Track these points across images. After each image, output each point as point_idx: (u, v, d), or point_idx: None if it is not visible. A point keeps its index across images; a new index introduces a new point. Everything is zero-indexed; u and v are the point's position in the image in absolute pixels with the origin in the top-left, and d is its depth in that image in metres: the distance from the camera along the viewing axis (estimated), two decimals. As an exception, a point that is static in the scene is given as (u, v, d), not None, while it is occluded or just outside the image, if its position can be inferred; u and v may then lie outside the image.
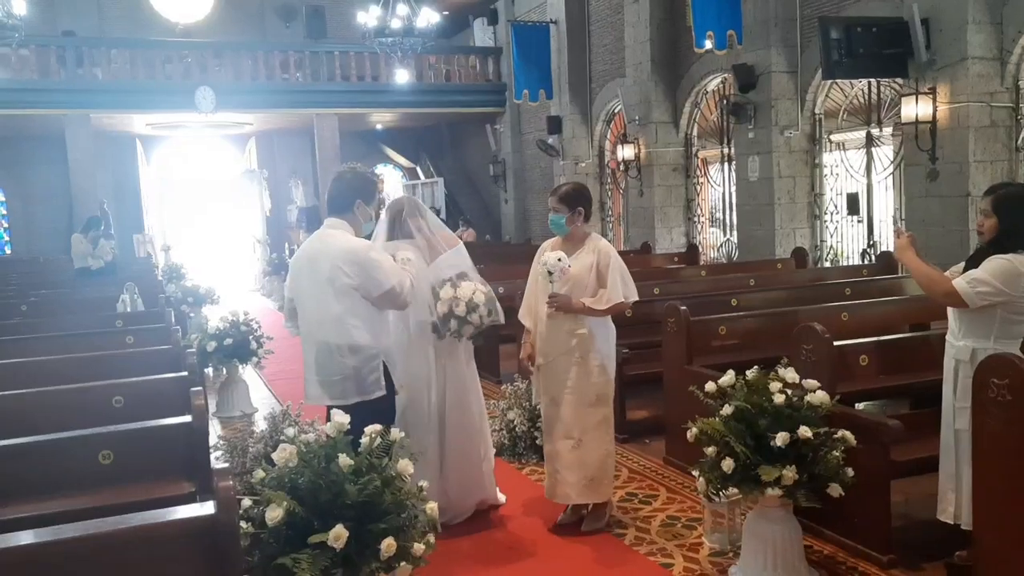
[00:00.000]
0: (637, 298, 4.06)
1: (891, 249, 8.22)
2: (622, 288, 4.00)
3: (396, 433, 2.81)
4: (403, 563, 2.57)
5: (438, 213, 17.60)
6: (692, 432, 3.49)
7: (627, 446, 5.49)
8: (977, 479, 3.08)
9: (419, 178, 21.86)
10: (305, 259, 3.74)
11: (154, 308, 7.49)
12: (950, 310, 3.38)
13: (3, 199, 17.86)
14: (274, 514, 2.48)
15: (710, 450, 3.41)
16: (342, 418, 2.78)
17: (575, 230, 4.12)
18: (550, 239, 4.31)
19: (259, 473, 2.68)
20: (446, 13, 16.89)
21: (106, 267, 11.10)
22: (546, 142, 14.66)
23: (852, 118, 9.31)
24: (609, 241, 12.94)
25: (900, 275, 7.18)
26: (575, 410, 4.07)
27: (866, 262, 8.81)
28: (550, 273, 3.93)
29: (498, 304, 4.12)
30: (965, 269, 3.32)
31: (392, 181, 23.42)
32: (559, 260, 3.93)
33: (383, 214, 4.29)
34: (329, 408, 3.49)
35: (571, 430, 4.08)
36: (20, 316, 7.20)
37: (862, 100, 9.17)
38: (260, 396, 7.49)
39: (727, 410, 3.43)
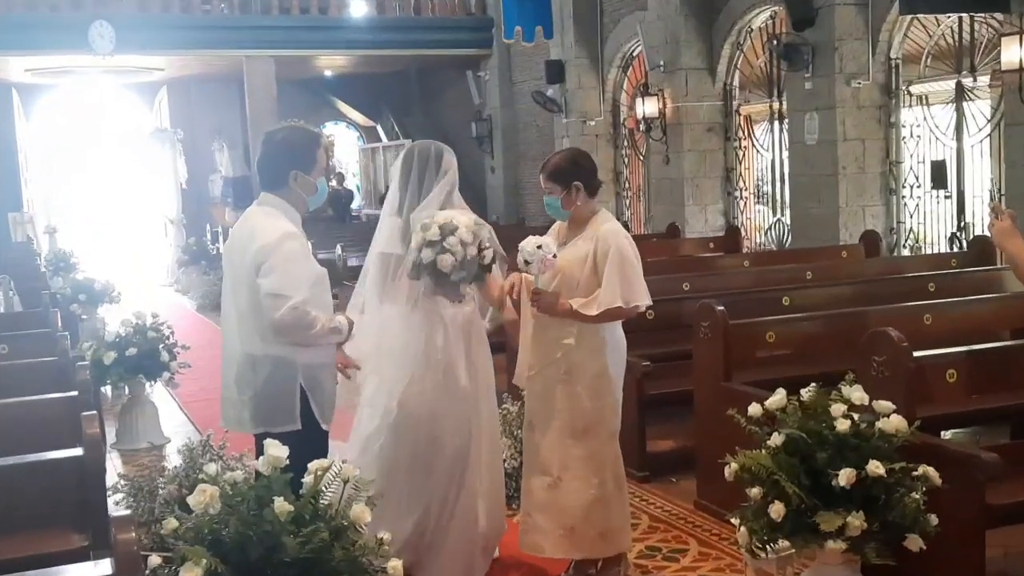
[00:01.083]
0: (646, 302, 4.03)
1: (988, 233, 8.22)
2: (621, 288, 3.94)
3: (349, 470, 2.81)
4: (358, 638, 2.58)
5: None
6: (731, 468, 3.50)
7: (648, 486, 5.49)
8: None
9: (380, 140, 21.86)
10: (228, 247, 3.80)
11: (35, 308, 7.45)
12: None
13: None
14: (191, 575, 2.47)
15: (754, 491, 3.42)
16: (279, 451, 2.78)
17: (577, 211, 4.12)
18: (558, 222, 4.32)
19: (171, 522, 2.68)
20: (415, -74, 16.89)
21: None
22: (544, 94, 14.64)
23: (938, 64, 9.33)
24: (625, 223, 13.06)
25: (999, 267, 7.21)
26: (555, 440, 4.08)
27: (955, 249, 8.83)
28: (526, 263, 3.88)
29: (493, 236, 4.04)
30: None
31: (345, 144, 23.43)
32: (539, 247, 3.86)
33: (417, 171, 4.16)
34: (259, 437, 3.50)
35: (548, 465, 4.10)
36: None
37: (951, 41, 9.19)
38: (173, 423, 7.46)
39: (776, 440, 3.43)
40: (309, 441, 3.45)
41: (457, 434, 4.07)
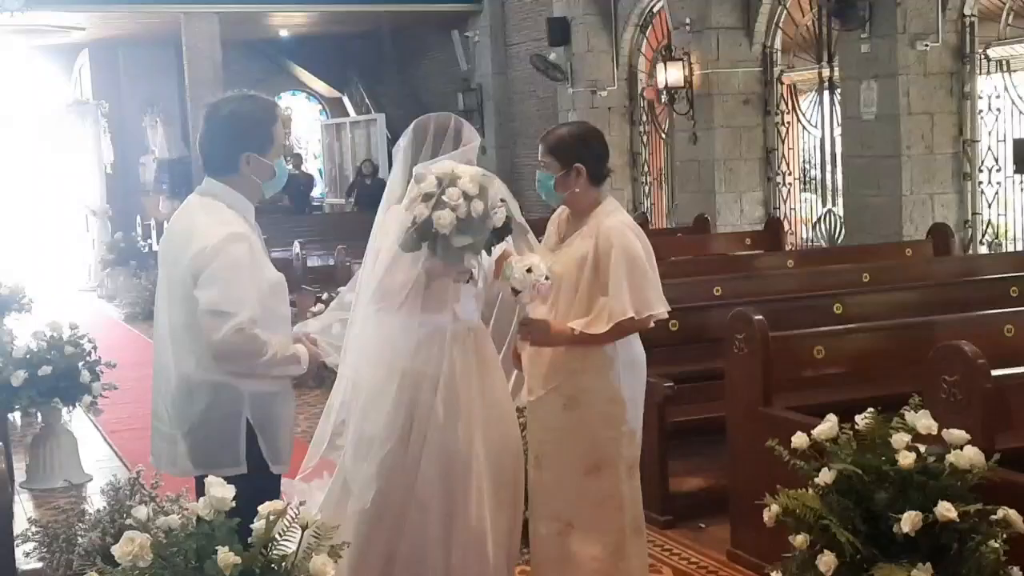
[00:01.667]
0: (662, 310, 4.01)
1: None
2: (629, 295, 3.91)
3: (308, 515, 2.81)
4: None
5: (376, 170, 17.62)
6: (771, 512, 3.49)
7: (671, 533, 5.48)
8: None
9: (347, 114, 21.85)
10: (163, 246, 3.74)
11: (-72, 318, 7.44)
12: None
13: None
14: (116, 641, 2.47)
15: (800, 539, 3.42)
16: (224, 491, 2.78)
17: (574, 198, 4.12)
18: (560, 211, 4.31)
19: (92, 577, 2.68)
20: None
21: None
22: (546, 59, 14.66)
23: (1022, 24, 9.34)
24: (644, 215, 13.06)
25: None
26: (564, 479, 4.08)
27: (1043, 246, 8.89)
28: (515, 291, 3.79)
29: (507, 192, 3.91)
30: None
31: (305, 119, 23.42)
32: (528, 271, 3.75)
33: (431, 149, 4.00)
34: (198, 479, 3.49)
35: (557, 509, 4.10)
36: None
37: (1037, -5, 9.22)
38: (95, 457, 7.43)
39: (826, 477, 3.43)
40: (256, 486, 3.26)
41: (447, 499, 4.00)
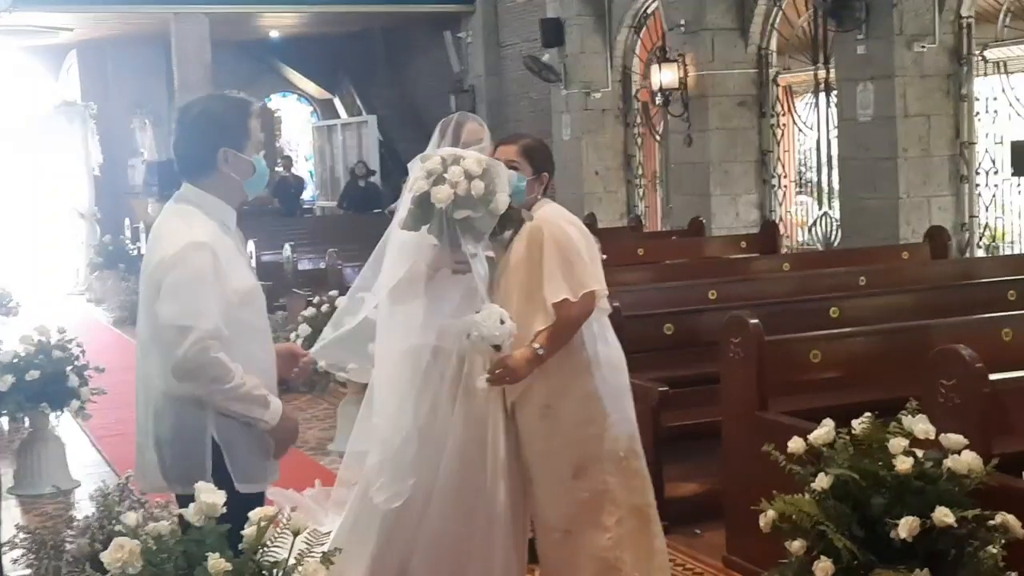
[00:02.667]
0: (599, 288, 3.99)
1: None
2: (564, 279, 3.90)
3: (300, 521, 2.81)
4: None
5: (369, 174, 17.60)
6: (768, 517, 3.49)
7: (666, 539, 5.39)
8: None
9: (339, 116, 21.83)
10: (145, 252, 3.69)
11: (-86, 322, 7.43)
12: None
13: None
14: (104, 650, 2.46)
15: (796, 544, 3.42)
16: (214, 496, 2.77)
17: (530, 204, 4.12)
18: None
19: (80, 584, 2.67)
20: None
21: None
22: (539, 60, 14.66)
23: (1019, 24, 9.36)
24: (638, 217, 13.06)
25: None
26: (552, 488, 4.09)
27: (1040, 249, 8.91)
28: (497, 348, 3.79)
29: (515, 183, 3.96)
30: None
31: (295, 120, 23.40)
32: (501, 322, 3.74)
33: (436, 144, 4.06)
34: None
35: (551, 518, 4.11)
36: None
37: (1034, -4, 9.24)
38: (84, 462, 7.42)
39: (823, 482, 3.43)
40: (235, 501, 3.05)
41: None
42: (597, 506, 4.09)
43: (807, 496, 3.44)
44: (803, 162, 11.81)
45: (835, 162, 10.64)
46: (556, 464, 4.07)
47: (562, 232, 4.01)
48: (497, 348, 3.81)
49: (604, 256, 4.51)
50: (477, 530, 4.02)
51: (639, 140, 14.12)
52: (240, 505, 3.03)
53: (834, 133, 10.61)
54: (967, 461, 3.40)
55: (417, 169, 3.88)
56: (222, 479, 3.29)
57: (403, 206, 3.97)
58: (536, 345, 3.93)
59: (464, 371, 3.99)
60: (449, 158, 3.82)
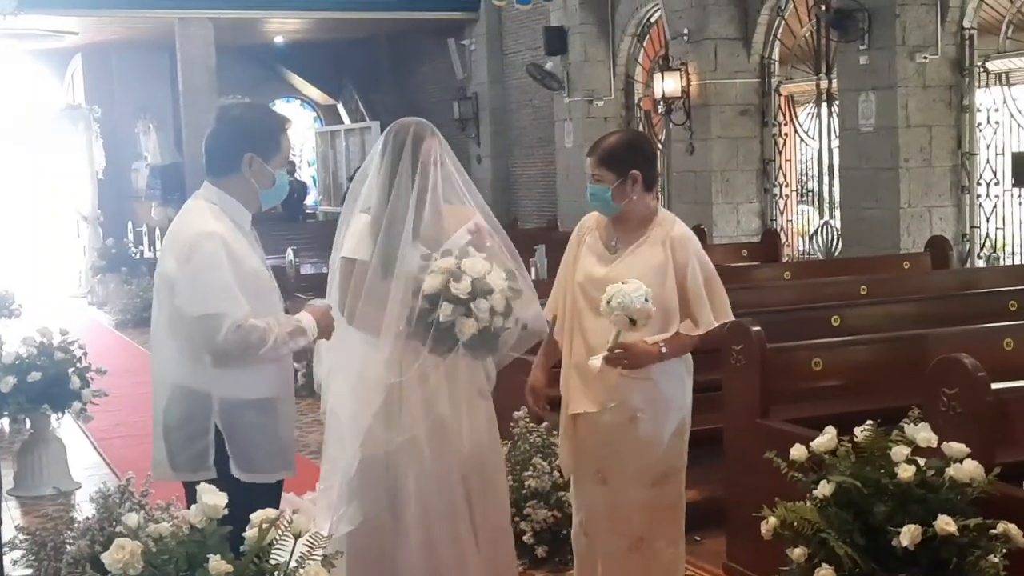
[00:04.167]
0: (731, 319, 4.15)
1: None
2: (721, 304, 4.02)
3: (302, 523, 2.81)
4: None
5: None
6: (769, 524, 3.49)
7: (666, 546, 5.48)
8: None
9: (342, 121, 21.86)
10: (163, 244, 3.80)
11: (-83, 323, 7.43)
12: None
13: None
14: (106, 650, 2.47)
15: (798, 552, 3.42)
16: (216, 498, 2.77)
17: (631, 207, 4.06)
18: (591, 213, 4.27)
19: (82, 585, 2.68)
20: None
21: None
22: (542, 68, 14.68)
23: (1021, 36, 9.37)
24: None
25: (1094, 281, 7.25)
26: (633, 493, 4.08)
27: (1042, 260, 8.91)
28: (632, 321, 3.71)
29: (536, 306, 3.96)
30: None
31: (299, 126, 23.36)
32: (645, 300, 3.68)
33: (389, 163, 4.08)
34: (187, 483, 3.49)
35: (628, 523, 4.10)
36: None
37: (1037, 8, 9.25)
38: (85, 463, 7.44)
39: (825, 490, 3.43)
40: (232, 494, 3.00)
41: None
42: (672, 514, 4.17)
43: (809, 503, 3.44)
44: (804, 171, 11.82)
45: (836, 172, 10.66)
46: (639, 470, 4.06)
47: (707, 258, 4.07)
48: (632, 323, 3.74)
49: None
50: (459, 553, 4.02)
51: (642, 148, 14.10)
52: (248, 495, 3.12)
53: (836, 143, 10.63)
54: (969, 470, 3.40)
55: (436, 279, 3.77)
56: (226, 468, 3.44)
57: (404, 302, 3.86)
58: (663, 346, 3.94)
59: (426, 397, 3.96)
60: (479, 286, 3.75)
